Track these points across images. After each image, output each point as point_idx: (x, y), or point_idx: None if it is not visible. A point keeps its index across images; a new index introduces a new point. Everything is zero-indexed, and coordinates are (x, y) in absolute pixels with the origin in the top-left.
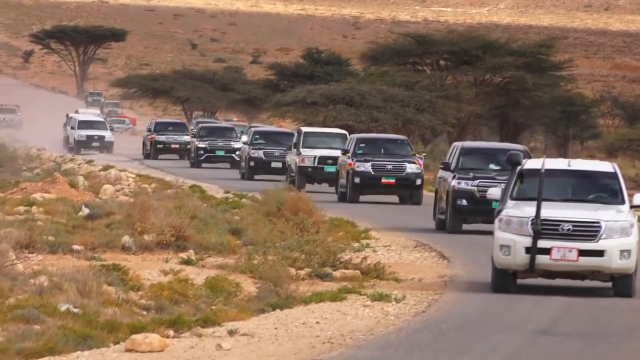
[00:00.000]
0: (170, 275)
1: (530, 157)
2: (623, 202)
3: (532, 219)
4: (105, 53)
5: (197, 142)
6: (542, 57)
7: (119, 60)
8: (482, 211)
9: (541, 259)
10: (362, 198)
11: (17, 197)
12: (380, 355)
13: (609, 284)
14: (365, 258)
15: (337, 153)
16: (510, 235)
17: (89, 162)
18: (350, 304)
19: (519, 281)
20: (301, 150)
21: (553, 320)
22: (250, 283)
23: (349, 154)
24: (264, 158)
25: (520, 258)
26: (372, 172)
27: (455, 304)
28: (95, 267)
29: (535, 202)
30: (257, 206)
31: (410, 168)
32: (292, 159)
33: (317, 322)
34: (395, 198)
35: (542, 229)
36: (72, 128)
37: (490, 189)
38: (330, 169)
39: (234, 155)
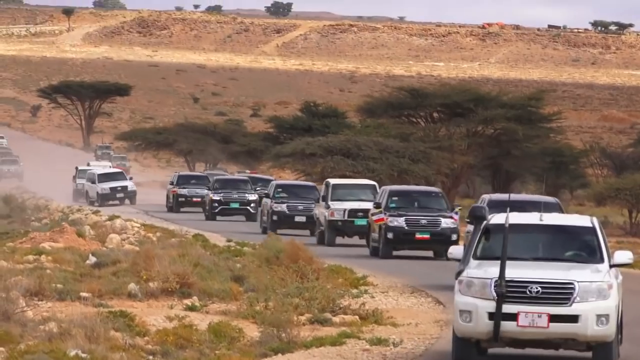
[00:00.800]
0: (175, 321)
1: (560, 208)
2: (602, 261)
3: (496, 281)
4: (110, 107)
5: (211, 195)
6: (532, 109)
7: (123, 114)
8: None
9: (507, 326)
10: (395, 253)
11: (26, 246)
12: None
13: (588, 354)
14: (363, 304)
15: (367, 205)
16: (471, 299)
17: (95, 212)
18: (350, 348)
19: (492, 350)
20: (330, 203)
21: None
22: (252, 328)
23: (382, 208)
24: (287, 212)
25: (482, 325)
26: (406, 228)
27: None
28: (102, 313)
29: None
30: (258, 254)
31: (445, 223)
32: (320, 212)
33: None
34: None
35: (508, 291)
36: (93, 182)
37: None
38: (361, 222)
39: (248, 207)
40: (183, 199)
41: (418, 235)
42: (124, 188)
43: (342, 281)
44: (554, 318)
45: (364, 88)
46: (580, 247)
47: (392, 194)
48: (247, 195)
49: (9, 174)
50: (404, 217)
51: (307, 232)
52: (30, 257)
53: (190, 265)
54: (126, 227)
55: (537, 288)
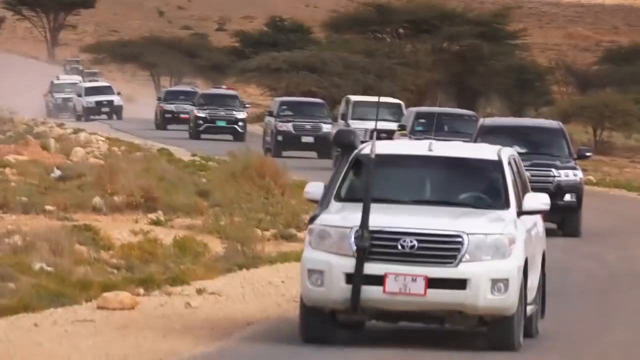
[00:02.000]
0: (140, 236)
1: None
2: (507, 206)
3: (357, 230)
4: (75, 19)
5: (195, 111)
6: (497, 26)
7: (88, 26)
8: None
9: (370, 292)
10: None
11: None
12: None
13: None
14: None
15: (391, 126)
16: (324, 255)
17: (60, 125)
18: None
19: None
20: (350, 122)
21: None
22: (217, 243)
23: (407, 130)
24: (293, 132)
25: (337, 291)
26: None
27: None
28: (67, 227)
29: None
30: (224, 169)
31: None
32: None
33: (283, 282)
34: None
35: (372, 245)
36: (79, 95)
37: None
38: None
39: (236, 126)
40: (170, 116)
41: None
42: (110, 102)
43: None
44: (433, 283)
45: (330, 3)
46: (480, 187)
47: (419, 115)
48: (234, 112)
49: None
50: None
51: (315, 154)
52: None
53: (155, 180)
54: (91, 141)
55: (412, 241)
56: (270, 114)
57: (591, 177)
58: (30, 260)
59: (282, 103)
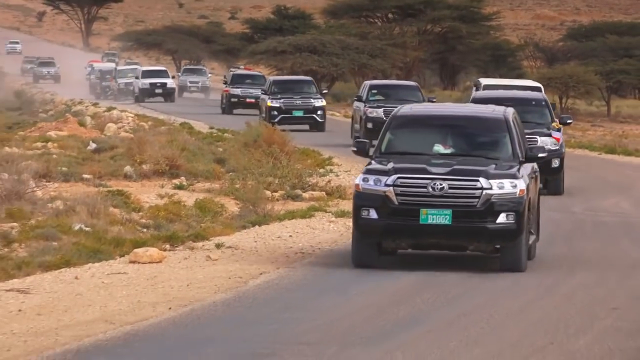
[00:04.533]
0: (165, 199)
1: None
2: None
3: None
4: (106, 12)
5: (268, 101)
6: (474, 9)
7: (118, 18)
8: None
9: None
10: None
11: (35, 135)
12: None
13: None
14: (329, 181)
15: None
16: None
17: (95, 104)
18: (318, 220)
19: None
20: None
21: None
22: (233, 204)
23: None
24: (384, 118)
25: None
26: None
27: None
28: (102, 192)
29: None
30: (237, 139)
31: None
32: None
33: (290, 236)
34: None
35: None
36: (137, 78)
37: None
38: None
39: (315, 115)
40: (236, 100)
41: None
42: (163, 85)
43: (311, 162)
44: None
45: None
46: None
47: (372, 87)
48: (312, 100)
49: (48, 75)
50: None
51: None
52: (39, 144)
53: (178, 150)
54: (122, 117)
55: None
56: (359, 98)
57: None
58: (70, 222)
59: (372, 87)
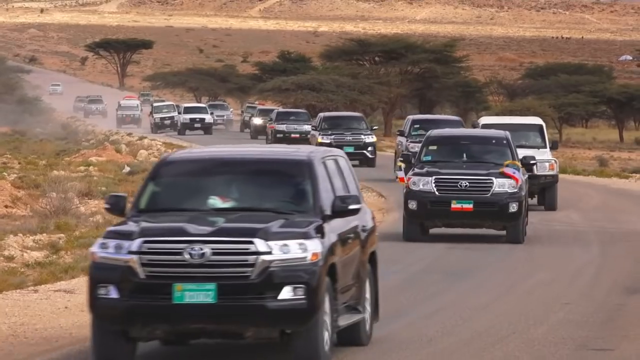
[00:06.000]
0: None
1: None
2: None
3: None
4: (138, 57)
5: (319, 137)
6: (447, 53)
7: (148, 62)
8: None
9: None
10: None
11: (79, 160)
12: None
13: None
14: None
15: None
16: None
17: (129, 134)
18: None
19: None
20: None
21: None
22: None
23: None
24: None
25: None
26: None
27: (394, 224)
28: None
29: None
30: None
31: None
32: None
33: None
34: None
35: None
36: (179, 113)
37: None
38: None
39: (365, 152)
40: (281, 135)
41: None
42: (202, 120)
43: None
44: None
45: (324, 40)
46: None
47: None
48: (362, 136)
49: (97, 111)
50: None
51: None
52: (82, 168)
53: None
54: (152, 145)
55: None
56: (402, 133)
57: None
58: None
59: (415, 121)
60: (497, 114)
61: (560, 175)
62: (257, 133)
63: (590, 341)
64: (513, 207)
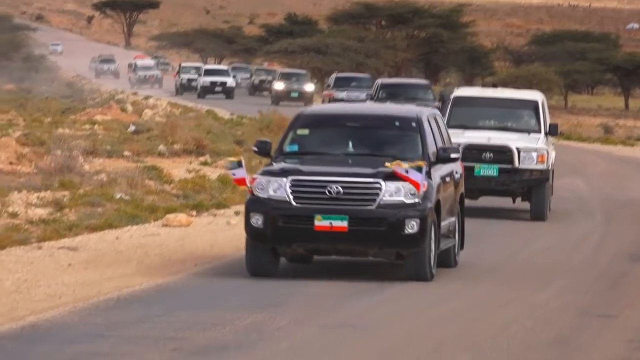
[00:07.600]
0: (193, 173)
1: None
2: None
3: None
4: (145, 17)
5: None
6: (453, 19)
7: (154, 22)
8: None
9: None
10: None
11: (84, 118)
12: None
13: None
14: None
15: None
16: None
17: (134, 93)
18: None
19: None
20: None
21: None
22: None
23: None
24: None
25: None
26: None
27: None
28: (139, 167)
29: None
30: (254, 124)
31: None
32: None
33: None
34: None
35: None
36: (200, 75)
37: None
38: None
39: None
40: None
41: None
42: (223, 83)
43: None
44: None
45: (331, 3)
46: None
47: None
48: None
49: (108, 71)
50: None
51: None
52: (87, 126)
53: (204, 132)
54: (157, 105)
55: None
56: (371, 97)
57: None
58: (112, 191)
59: (383, 85)
60: (502, 80)
61: (565, 142)
62: (279, 99)
63: (593, 307)
64: (411, 227)
